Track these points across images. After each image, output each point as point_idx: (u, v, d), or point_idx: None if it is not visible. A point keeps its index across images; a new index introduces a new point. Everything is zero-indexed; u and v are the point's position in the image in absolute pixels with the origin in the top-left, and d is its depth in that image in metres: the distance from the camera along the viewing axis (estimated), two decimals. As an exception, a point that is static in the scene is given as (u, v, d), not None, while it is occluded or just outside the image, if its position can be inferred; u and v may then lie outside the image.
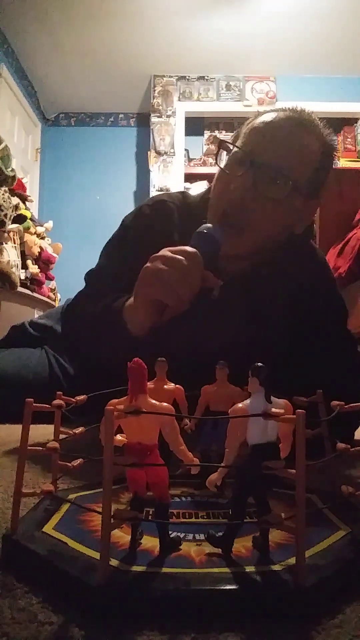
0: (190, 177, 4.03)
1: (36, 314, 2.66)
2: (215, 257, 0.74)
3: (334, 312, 0.94)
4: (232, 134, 4.24)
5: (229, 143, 0.82)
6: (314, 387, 0.56)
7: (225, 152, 0.82)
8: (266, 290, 0.87)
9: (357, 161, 3.92)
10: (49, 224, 3.08)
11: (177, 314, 0.72)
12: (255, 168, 0.76)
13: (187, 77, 4.09)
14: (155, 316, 0.72)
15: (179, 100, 4.06)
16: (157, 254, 0.70)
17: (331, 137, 0.85)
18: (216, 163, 0.83)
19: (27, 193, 2.57)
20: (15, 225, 2.24)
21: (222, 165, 0.81)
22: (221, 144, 0.82)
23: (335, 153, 0.86)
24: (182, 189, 3.86)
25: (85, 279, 0.98)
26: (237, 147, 0.80)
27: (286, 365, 0.77)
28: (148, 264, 0.70)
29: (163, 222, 0.91)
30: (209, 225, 0.75)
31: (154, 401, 0.39)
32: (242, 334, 0.83)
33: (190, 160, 4.17)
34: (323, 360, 0.85)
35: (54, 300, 3.13)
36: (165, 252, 0.70)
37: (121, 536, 0.42)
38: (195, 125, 4.22)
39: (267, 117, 0.81)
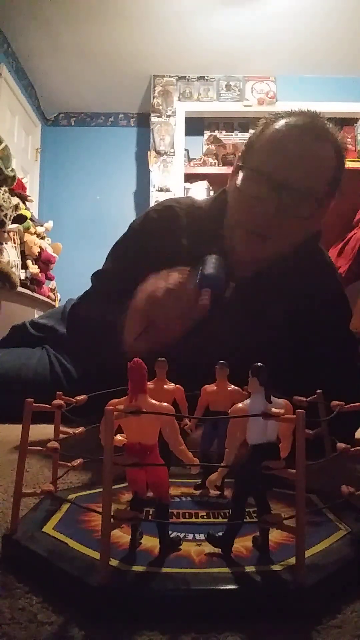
0: (190, 177, 4.02)
1: (36, 314, 2.66)
2: (220, 290, 0.75)
3: (339, 314, 0.94)
4: (232, 134, 4.25)
5: (247, 168, 0.80)
6: (314, 387, 0.56)
7: (241, 171, 0.81)
8: (274, 291, 0.88)
9: (357, 161, 3.91)
10: (49, 224, 3.08)
11: (166, 341, 0.72)
12: (277, 189, 0.76)
13: (187, 77, 4.08)
14: (146, 340, 0.73)
15: (179, 100, 4.06)
16: (157, 278, 0.71)
17: (341, 136, 0.85)
18: (235, 184, 0.82)
19: (27, 193, 2.57)
20: (15, 225, 2.24)
21: (240, 181, 0.81)
22: (240, 168, 0.82)
23: (345, 152, 0.86)
24: (182, 189, 3.90)
25: (92, 279, 0.98)
26: (251, 169, 0.79)
27: (290, 364, 0.78)
28: (146, 288, 0.71)
29: (170, 227, 0.91)
30: (211, 264, 0.75)
31: (154, 401, 0.39)
32: (251, 334, 0.84)
33: (190, 160, 4.17)
34: (325, 361, 0.86)
35: (54, 300, 3.13)
36: (165, 277, 0.71)
37: (121, 536, 0.42)
38: (195, 125, 4.22)
39: (282, 130, 0.79)
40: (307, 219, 0.78)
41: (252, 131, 0.89)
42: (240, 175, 0.81)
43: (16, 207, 2.19)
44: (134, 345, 0.73)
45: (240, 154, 0.86)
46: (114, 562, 0.37)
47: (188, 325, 0.72)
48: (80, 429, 0.49)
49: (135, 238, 0.95)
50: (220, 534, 0.40)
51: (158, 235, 0.91)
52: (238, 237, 0.83)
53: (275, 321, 0.87)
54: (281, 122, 0.81)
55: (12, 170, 2.08)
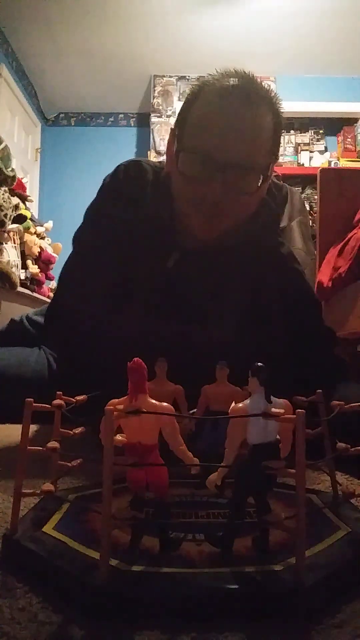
0: (190, 177, 4.03)
1: (36, 314, 2.66)
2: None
3: (295, 306, 0.92)
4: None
5: (185, 151, 0.77)
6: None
7: (181, 152, 0.78)
8: (223, 268, 0.86)
9: (357, 161, 3.91)
10: (49, 224, 3.07)
11: None
12: (221, 168, 0.73)
13: (187, 77, 4.08)
14: None
15: (179, 100, 4.06)
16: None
17: (274, 95, 0.79)
18: (177, 167, 0.78)
19: (27, 193, 2.57)
20: (15, 225, 2.23)
21: (180, 164, 0.77)
22: (178, 153, 0.78)
23: (281, 112, 0.80)
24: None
25: (73, 241, 0.98)
26: (196, 152, 0.75)
27: (238, 340, 0.77)
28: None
29: (140, 180, 0.90)
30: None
31: (154, 401, 0.39)
32: (196, 306, 0.84)
33: (190, 160, 4.17)
34: (277, 342, 0.84)
35: (54, 300, 3.13)
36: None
37: (121, 536, 0.42)
38: (195, 125, 4.23)
39: (215, 101, 0.75)
40: (255, 193, 0.77)
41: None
42: (180, 157, 0.78)
43: (16, 207, 2.19)
44: None
45: (173, 130, 0.83)
46: (114, 562, 0.37)
47: None
48: (80, 429, 0.49)
49: (108, 192, 0.95)
50: (220, 534, 0.40)
51: (129, 184, 0.90)
52: (187, 217, 0.81)
53: (225, 299, 0.85)
54: (211, 90, 0.76)
55: (12, 170, 2.08)
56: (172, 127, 0.84)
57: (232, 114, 0.73)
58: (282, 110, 0.80)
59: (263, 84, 0.79)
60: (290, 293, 0.91)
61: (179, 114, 0.82)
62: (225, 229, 0.81)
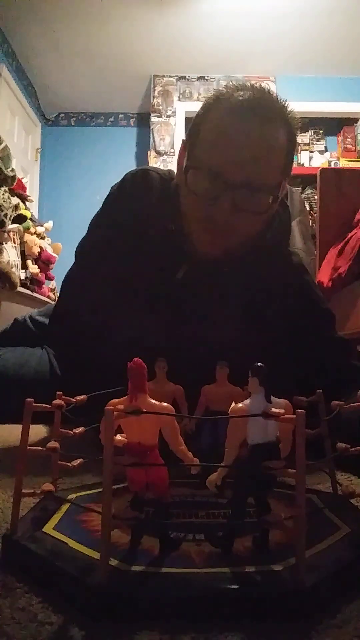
0: (190, 177, 4.02)
1: (36, 314, 2.66)
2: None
3: (303, 311, 0.92)
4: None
5: (194, 168, 0.75)
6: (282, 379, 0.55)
7: (188, 168, 0.77)
8: (232, 280, 0.85)
9: (357, 161, 3.92)
10: (49, 224, 3.07)
11: None
12: (230, 188, 0.72)
13: (187, 77, 4.08)
14: None
15: (179, 100, 4.06)
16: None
17: (290, 112, 0.77)
18: (186, 185, 0.76)
19: (27, 193, 2.57)
20: (15, 225, 2.23)
21: (190, 180, 0.76)
22: (188, 170, 0.76)
23: (297, 128, 0.79)
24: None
25: (76, 253, 0.96)
26: (207, 170, 0.74)
27: (242, 356, 0.77)
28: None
29: (147, 189, 0.89)
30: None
31: (154, 401, 0.39)
32: (203, 319, 0.84)
33: (190, 160, 4.17)
34: (283, 352, 0.84)
35: (54, 300, 3.13)
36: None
37: (121, 536, 0.42)
38: (195, 125, 4.23)
39: (227, 118, 0.73)
40: (264, 213, 0.76)
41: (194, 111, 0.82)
42: (190, 173, 0.76)
43: (16, 207, 2.19)
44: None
45: (185, 143, 0.82)
46: (114, 562, 0.37)
47: None
48: (80, 429, 0.49)
49: (114, 201, 0.93)
50: (220, 534, 0.40)
51: (136, 193, 0.89)
52: (195, 232, 0.81)
53: (231, 311, 0.85)
54: (225, 105, 0.74)
55: (12, 170, 2.08)
56: (184, 138, 0.83)
57: (245, 132, 0.72)
58: (297, 126, 0.78)
59: (278, 99, 0.77)
60: (300, 305, 0.90)
61: (191, 125, 0.81)
62: (231, 246, 0.80)
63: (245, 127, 0.72)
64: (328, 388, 0.55)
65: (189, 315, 0.84)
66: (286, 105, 0.77)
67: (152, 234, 0.85)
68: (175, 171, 0.88)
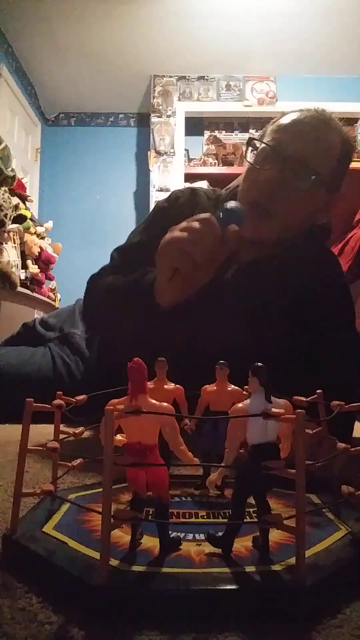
0: (190, 177, 4.01)
1: (36, 314, 2.66)
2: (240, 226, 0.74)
3: (342, 312, 0.95)
4: (232, 134, 4.25)
5: (257, 140, 0.86)
6: (316, 386, 0.56)
7: (251, 150, 0.86)
8: (276, 281, 0.90)
9: (357, 161, 3.91)
10: (49, 224, 3.07)
11: (200, 285, 0.74)
12: (282, 161, 0.80)
13: (187, 77, 4.08)
14: (177, 289, 0.73)
15: (179, 100, 4.05)
16: (174, 226, 0.72)
17: (350, 134, 0.89)
18: (245, 159, 0.87)
19: (27, 193, 2.57)
20: (15, 225, 2.24)
21: (249, 157, 0.85)
22: (249, 142, 0.87)
23: (354, 150, 0.90)
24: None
25: (111, 255, 1.01)
26: (264, 142, 0.84)
27: (289, 360, 0.79)
28: (166, 235, 0.72)
29: (193, 206, 0.95)
30: (234, 202, 0.76)
31: (154, 401, 0.39)
32: (248, 319, 0.87)
33: (190, 160, 4.16)
34: (327, 361, 0.86)
35: (54, 300, 3.13)
36: (182, 223, 0.72)
37: (121, 536, 0.42)
38: (195, 125, 4.22)
39: (292, 116, 0.86)
40: (306, 193, 0.81)
41: (252, 131, 0.94)
42: (249, 153, 0.86)
43: (16, 207, 2.19)
44: (166, 298, 0.75)
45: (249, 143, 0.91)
46: (114, 562, 0.37)
47: (216, 266, 0.73)
48: (80, 429, 0.49)
49: (160, 213, 1.00)
50: (220, 534, 0.40)
51: (182, 208, 0.94)
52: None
53: (276, 314, 0.88)
54: (294, 112, 0.87)
55: (12, 170, 2.08)
56: (249, 137, 0.91)
57: (303, 125, 0.84)
58: (354, 148, 0.90)
59: (338, 121, 0.89)
60: (332, 303, 0.95)
61: (261, 132, 0.91)
62: (273, 236, 0.85)
63: (304, 123, 0.84)
64: (337, 387, 0.56)
65: (235, 314, 0.87)
66: (348, 130, 0.87)
67: None
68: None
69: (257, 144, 0.85)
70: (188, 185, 4.00)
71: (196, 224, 0.69)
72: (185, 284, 0.73)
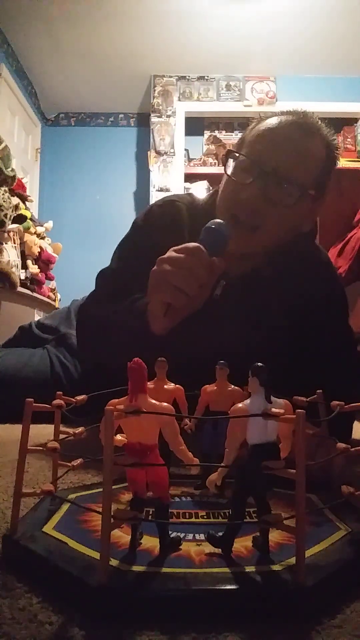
0: (190, 177, 4.02)
1: (36, 314, 2.66)
2: (222, 249, 0.73)
3: (337, 313, 0.95)
4: (232, 134, 4.24)
5: (236, 152, 0.83)
6: (313, 387, 0.56)
7: (231, 159, 0.83)
8: (268, 291, 0.88)
9: (357, 161, 3.91)
10: (49, 224, 3.07)
11: (192, 311, 0.73)
12: (264, 176, 0.77)
13: (187, 77, 4.08)
14: (171, 317, 0.72)
15: (179, 100, 4.05)
16: (162, 257, 0.70)
17: (333, 136, 0.86)
18: (225, 172, 0.83)
19: (27, 193, 2.57)
20: (15, 225, 2.23)
21: (230, 171, 0.82)
22: (228, 154, 0.83)
23: (337, 152, 0.87)
24: (182, 189, 3.90)
25: (96, 280, 0.98)
26: (243, 155, 0.81)
27: (287, 366, 0.78)
28: (155, 268, 0.70)
29: (173, 221, 0.92)
30: (218, 220, 0.75)
31: (154, 401, 0.39)
32: (242, 334, 0.83)
33: (190, 160, 4.17)
34: (324, 362, 0.86)
35: (54, 300, 3.13)
36: (170, 253, 0.70)
37: (121, 536, 0.42)
38: (195, 125, 4.22)
39: (271, 123, 0.82)
40: (291, 207, 0.79)
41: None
42: (230, 163, 0.83)
43: (16, 207, 2.19)
44: (160, 326, 0.73)
45: (229, 152, 0.88)
46: (114, 562, 0.37)
47: (208, 292, 0.72)
48: (81, 429, 0.49)
49: (139, 234, 0.96)
50: (220, 534, 0.40)
51: (162, 229, 0.91)
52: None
53: (271, 323, 0.87)
54: (273, 119, 0.83)
55: (12, 170, 2.08)
56: (227, 149, 0.89)
57: (286, 134, 0.80)
58: (338, 153, 0.86)
59: (322, 124, 0.86)
60: (326, 305, 0.93)
61: (238, 140, 0.89)
62: (258, 249, 0.83)
63: (284, 130, 0.80)
64: (335, 387, 0.56)
65: (225, 330, 0.85)
66: (330, 131, 0.85)
67: None
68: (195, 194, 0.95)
69: (236, 155, 0.82)
70: (187, 185, 4.03)
71: (184, 258, 0.68)
72: (178, 313, 0.72)
